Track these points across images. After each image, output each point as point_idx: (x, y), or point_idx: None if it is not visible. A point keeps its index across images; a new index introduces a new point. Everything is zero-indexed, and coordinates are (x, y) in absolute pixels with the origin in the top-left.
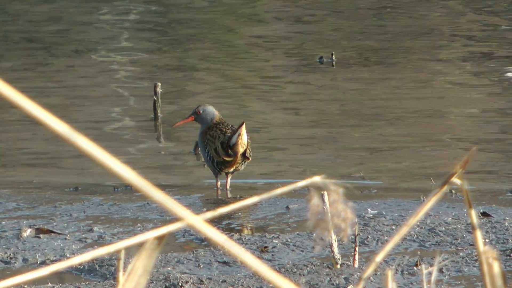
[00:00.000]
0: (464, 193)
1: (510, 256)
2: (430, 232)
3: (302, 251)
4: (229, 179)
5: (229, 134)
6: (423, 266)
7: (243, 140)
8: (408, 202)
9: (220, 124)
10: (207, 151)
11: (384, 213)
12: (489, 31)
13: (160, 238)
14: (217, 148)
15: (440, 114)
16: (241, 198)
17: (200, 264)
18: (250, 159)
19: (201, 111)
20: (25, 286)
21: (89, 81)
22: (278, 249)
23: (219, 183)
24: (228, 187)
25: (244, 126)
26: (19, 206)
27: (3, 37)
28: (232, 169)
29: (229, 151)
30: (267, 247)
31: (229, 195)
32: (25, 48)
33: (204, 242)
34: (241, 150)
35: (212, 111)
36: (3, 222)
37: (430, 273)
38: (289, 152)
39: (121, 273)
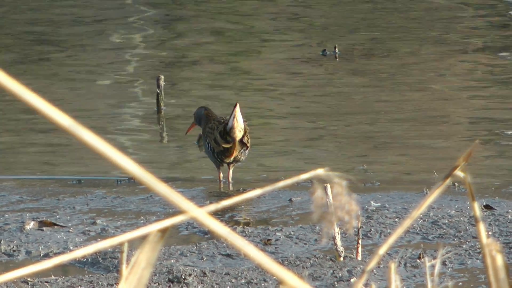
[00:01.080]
0: (467, 186)
1: None
2: (433, 225)
3: (305, 243)
4: (231, 171)
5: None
6: (426, 258)
7: (238, 122)
8: (411, 194)
9: (216, 118)
10: (207, 142)
11: (387, 205)
12: (495, 27)
13: (163, 231)
14: (216, 138)
15: (444, 107)
16: (244, 190)
17: (203, 256)
18: (249, 145)
19: (194, 115)
20: (28, 279)
21: (92, 74)
22: (281, 241)
23: (221, 175)
24: (230, 179)
25: (238, 107)
26: (22, 199)
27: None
28: (232, 158)
29: (227, 137)
30: (270, 239)
31: (232, 188)
32: (26, 38)
33: (207, 234)
34: (238, 134)
35: (199, 110)
36: (6, 215)
37: (433, 266)
38: (291, 145)
39: (124, 266)
